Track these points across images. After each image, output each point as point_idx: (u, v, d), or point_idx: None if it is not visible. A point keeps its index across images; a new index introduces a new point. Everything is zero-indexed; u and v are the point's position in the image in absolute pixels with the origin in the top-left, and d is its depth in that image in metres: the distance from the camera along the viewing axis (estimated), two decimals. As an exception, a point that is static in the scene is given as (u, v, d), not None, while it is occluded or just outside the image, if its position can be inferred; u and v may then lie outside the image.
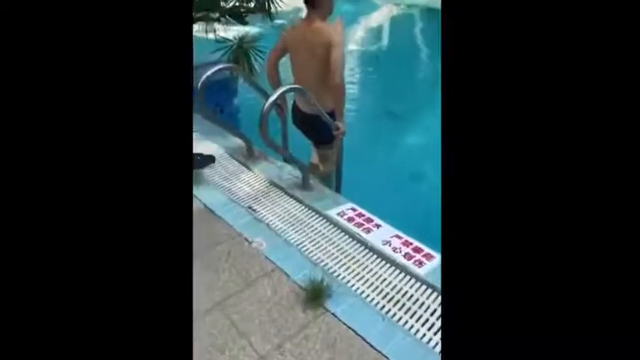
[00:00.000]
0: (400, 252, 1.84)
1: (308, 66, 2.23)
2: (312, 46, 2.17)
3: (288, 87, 2.04)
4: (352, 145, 2.94)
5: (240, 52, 3.06)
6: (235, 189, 2.31)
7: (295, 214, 2.10)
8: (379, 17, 9.29)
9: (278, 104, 2.43)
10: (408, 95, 5.14)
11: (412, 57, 7.04)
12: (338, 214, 2.08)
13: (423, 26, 8.68)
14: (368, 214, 2.09)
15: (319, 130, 2.35)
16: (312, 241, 1.92)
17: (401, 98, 5.04)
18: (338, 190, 2.51)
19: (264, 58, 3.02)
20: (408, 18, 9.43)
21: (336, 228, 2.00)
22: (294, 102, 2.53)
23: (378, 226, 2.01)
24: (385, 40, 8.11)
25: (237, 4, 3.99)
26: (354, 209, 2.13)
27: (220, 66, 2.23)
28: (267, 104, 1.90)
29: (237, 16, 4.05)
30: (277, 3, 4.01)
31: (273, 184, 2.33)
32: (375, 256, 1.83)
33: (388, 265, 1.79)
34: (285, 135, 2.66)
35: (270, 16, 4.11)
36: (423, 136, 4.17)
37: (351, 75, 5.85)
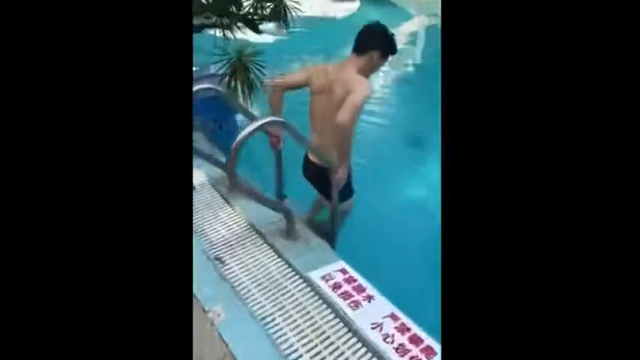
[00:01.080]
0: (392, 342, 1.42)
1: (328, 112, 1.89)
2: (338, 94, 1.83)
3: (269, 119, 1.65)
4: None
5: (239, 65, 2.72)
6: (208, 229, 1.95)
7: (270, 273, 1.71)
8: (412, 27, 8.76)
9: (271, 134, 2.07)
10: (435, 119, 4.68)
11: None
12: (323, 277, 1.68)
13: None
14: (360, 280, 1.68)
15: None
16: (283, 314, 1.52)
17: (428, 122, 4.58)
18: (332, 244, 2.10)
19: (266, 74, 2.70)
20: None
21: (317, 297, 1.60)
22: (306, 154, 2.16)
23: (369, 298, 1.60)
24: (418, 57, 7.61)
25: (250, 10, 3.67)
26: (344, 271, 1.72)
27: (202, 86, 1.86)
28: (239, 137, 1.51)
29: (251, 23, 3.73)
30: (295, 9, 3.66)
31: (252, 227, 1.96)
32: (359, 346, 1.42)
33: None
34: (280, 171, 2.28)
35: (286, 24, 3.77)
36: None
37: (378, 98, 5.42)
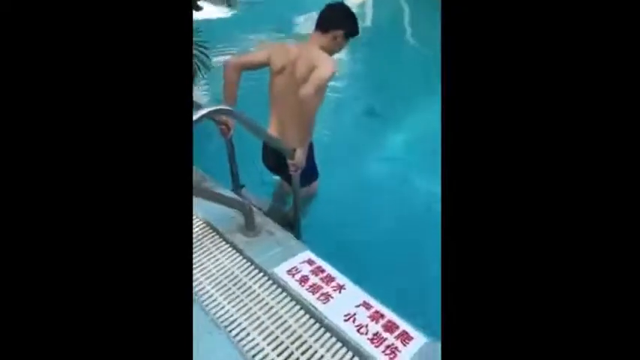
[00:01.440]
0: (367, 332, 1.35)
1: (289, 91, 1.78)
2: (302, 71, 1.73)
3: (213, 108, 1.50)
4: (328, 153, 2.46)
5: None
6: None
7: (233, 273, 1.60)
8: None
9: (220, 122, 1.91)
10: (392, 88, 4.58)
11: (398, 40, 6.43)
12: (289, 271, 1.58)
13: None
14: (328, 270, 1.59)
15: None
16: (250, 317, 1.42)
17: (384, 92, 4.48)
18: (296, 232, 2.00)
19: (209, 55, 2.51)
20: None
21: (284, 295, 1.50)
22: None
23: (340, 288, 1.52)
24: (368, 20, 7.45)
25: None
26: (310, 262, 1.63)
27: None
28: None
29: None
30: None
31: (208, 225, 1.82)
32: (333, 341, 1.35)
33: (351, 354, 1.31)
34: (233, 160, 2.12)
35: (229, 2, 3.53)
36: (408, 137, 3.66)
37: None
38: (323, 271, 1.59)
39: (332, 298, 1.48)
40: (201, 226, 1.82)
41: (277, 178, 2.30)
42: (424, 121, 3.64)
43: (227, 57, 1.98)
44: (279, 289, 1.52)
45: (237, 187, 2.22)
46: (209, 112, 1.46)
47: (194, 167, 2.21)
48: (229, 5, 3.53)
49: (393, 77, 4.82)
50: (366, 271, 2.24)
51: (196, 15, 3.62)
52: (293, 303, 1.47)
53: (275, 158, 2.01)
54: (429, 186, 2.74)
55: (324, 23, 1.83)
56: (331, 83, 1.79)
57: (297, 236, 1.93)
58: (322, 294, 1.49)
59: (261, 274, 1.58)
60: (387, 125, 3.85)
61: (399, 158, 3.42)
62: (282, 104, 1.89)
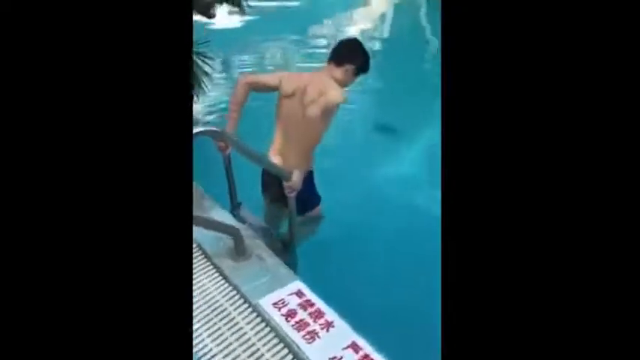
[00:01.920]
0: (353, 381, 1.25)
1: (296, 114, 1.79)
2: (311, 95, 1.74)
3: (202, 129, 1.42)
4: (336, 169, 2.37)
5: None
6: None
7: (216, 301, 1.51)
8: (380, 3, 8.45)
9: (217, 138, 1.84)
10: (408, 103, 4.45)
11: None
12: (275, 304, 1.48)
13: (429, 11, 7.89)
14: (318, 304, 1.48)
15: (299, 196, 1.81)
16: (228, 353, 1.32)
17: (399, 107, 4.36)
18: (290, 255, 1.90)
19: (214, 67, 2.45)
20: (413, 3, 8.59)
21: (268, 330, 1.40)
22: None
23: (328, 326, 1.41)
24: (386, 32, 7.36)
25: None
26: (299, 294, 1.53)
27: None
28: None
29: (202, 8, 3.42)
30: None
31: (198, 246, 1.74)
32: (315, 387, 1.24)
33: (333, 404, 1.20)
34: (231, 178, 2.04)
35: (241, 8, 3.48)
36: (423, 155, 3.53)
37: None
38: (312, 305, 1.48)
39: (318, 337, 1.37)
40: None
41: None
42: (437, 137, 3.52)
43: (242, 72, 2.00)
44: (263, 324, 1.42)
45: (234, 205, 2.14)
46: (199, 132, 1.38)
47: (194, 184, 2.15)
48: (242, 12, 3.46)
49: (410, 91, 4.71)
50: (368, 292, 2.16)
51: (208, 22, 3.58)
52: (276, 340, 1.37)
53: (275, 187, 1.94)
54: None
55: (338, 56, 1.85)
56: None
57: (292, 261, 1.83)
58: (308, 332, 1.38)
59: (246, 304, 1.49)
60: (400, 141, 3.74)
61: (411, 175, 3.30)
62: (287, 126, 1.87)
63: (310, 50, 6.23)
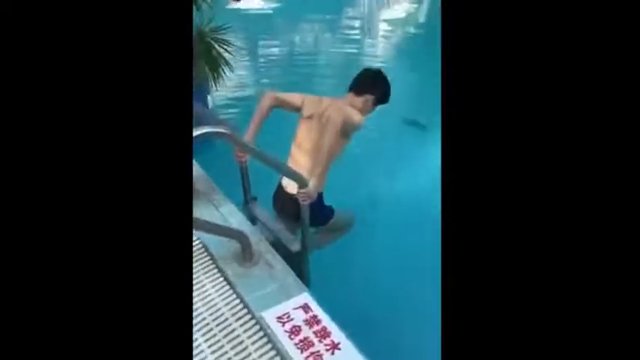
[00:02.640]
0: (356, 413, 1.15)
1: (314, 134, 1.83)
2: (331, 116, 1.75)
3: (215, 129, 1.32)
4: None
5: (202, 46, 2.30)
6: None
7: (217, 308, 1.43)
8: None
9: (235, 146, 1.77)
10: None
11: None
12: (279, 318, 1.39)
13: None
14: (324, 321, 1.39)
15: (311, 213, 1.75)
16: (225, 369, 1.25)
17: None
18: (301, 271, 1.80)
19: (234, 54, 2.34)
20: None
21: (269, 346, 1.32)
22: (280, 182, 1.96)
23: (334, 347, 1.31)
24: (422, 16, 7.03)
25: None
26: (306, 308, 1.43)
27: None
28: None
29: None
30: None
31: (204, 248, 1.66)
32: (314, 416, 1.15)
33: None
34: (246, 176, 1.96)
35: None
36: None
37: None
38: (318, 322, 1.39)
39: (322, 359, 1.28)
40: (196, 249, 1.67)
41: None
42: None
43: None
44: (265, 339, 1.34)
45: (247, 200, 2.06)
46: (205, 133, 1.29)
47: (206, 176, 2.07)
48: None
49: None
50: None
51: (236, 6, 3.46)
52: (278, 359, 1.28)
53: (287, 203, 1.91)
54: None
55: (360, 86, 1.88)
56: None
57: (304, 270, 1.74)
58: (312, 353, 1.29)
59: (249, 316, 1.40)
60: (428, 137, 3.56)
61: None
62: (303, 146, 1.90)
63: (343, 35, 6.03)
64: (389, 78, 1.94)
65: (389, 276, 2.28)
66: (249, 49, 5.35)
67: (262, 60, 5.41)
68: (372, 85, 1.88)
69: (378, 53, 5.59)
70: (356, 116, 1.77)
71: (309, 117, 1.84)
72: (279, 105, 1.88)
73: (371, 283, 2.22)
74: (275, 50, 5.68)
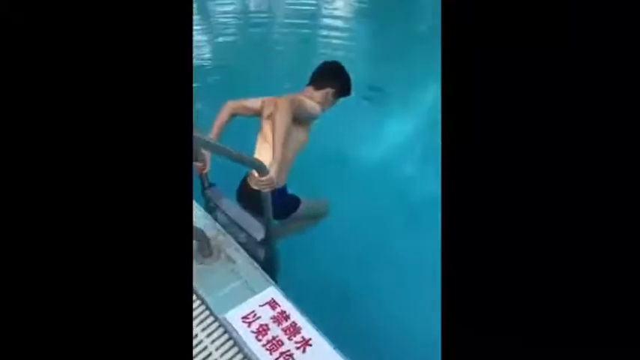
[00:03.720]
0: (332, 414, 1.08)
1: (270, 135, 1.68)
2: (277, 106, 1.61)
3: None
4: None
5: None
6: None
7: (177, 315, 1.31)
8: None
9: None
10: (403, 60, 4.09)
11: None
12: (245, 317, 1.29)
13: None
14: (294, 316, 1.30)
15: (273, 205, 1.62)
16: (188, 381, 1.15)
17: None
18: (269, 258, 1.68)
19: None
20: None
21: (235, 350, 1.22)
22: (245, 177, 1.86)
23: (305, 344, 1.23)
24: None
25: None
26: (273, 304, 1.33)
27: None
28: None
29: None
30: None
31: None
32: (287, 423, 1.08)
33: None
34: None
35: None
36: (410, 121, 3.27)
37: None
38: (287, 317, 1.30)
39: (293, 358, 1.19)
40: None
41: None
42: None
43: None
44: (231, 342, 1.24)
45: (205, 187, 1.91)
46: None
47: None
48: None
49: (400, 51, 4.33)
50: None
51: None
52: (245, 362, 1.19)
53: (250, 198, 1.79)
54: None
55: (318, 79, 1.83)
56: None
57: (271, 258, 1.63)
58: (282, 353, 1.20)
59: (211, 318, 1.30)
60: (386, 108, 3.45)
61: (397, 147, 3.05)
62: (266, 138, 1.79)
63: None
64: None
65: (352, 250, 2.22)
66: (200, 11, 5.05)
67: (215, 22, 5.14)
68: (330, 77, 1.84)
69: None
70: (307, 102, 1.70)
71: (269, 116, 1.74)
72: (239, 112, 1.83)
73: (341, 261, 2.15)
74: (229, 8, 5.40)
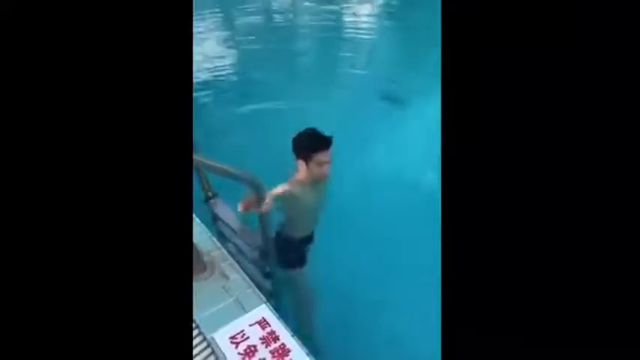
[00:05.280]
0: None
1: None
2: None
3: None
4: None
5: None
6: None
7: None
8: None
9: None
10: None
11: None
12: (233, 338, 1.27)
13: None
14: (283, 337, 1.27)
15: (282, 251, 1.59)
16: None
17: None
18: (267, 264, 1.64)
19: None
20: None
21: (221, 372, 1.20)
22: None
23: (292, 367, 1.20)
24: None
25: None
26: (263, 323, 1.31)
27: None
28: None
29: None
30: None
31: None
32: None
33: None
34: (204, 181, 1.79)
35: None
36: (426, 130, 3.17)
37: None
38: (276, 339, 1.27)
39: (279, 383, 1.16)
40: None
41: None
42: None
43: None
44: (216, 362, 1.22)
45: (207, 197, 1.90)
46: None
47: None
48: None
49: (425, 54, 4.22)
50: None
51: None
52: (230, 386, 1.17)
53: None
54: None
55: (300, 152, 1.59)
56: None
57: (267, 272, 1.60)
58: (267, 377, 1.17)
59: (200, 337, 1.28)
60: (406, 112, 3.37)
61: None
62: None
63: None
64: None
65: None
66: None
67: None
68: (295, 149, 1.63)
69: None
70: (276, 189, 1.54)
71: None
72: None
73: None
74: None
